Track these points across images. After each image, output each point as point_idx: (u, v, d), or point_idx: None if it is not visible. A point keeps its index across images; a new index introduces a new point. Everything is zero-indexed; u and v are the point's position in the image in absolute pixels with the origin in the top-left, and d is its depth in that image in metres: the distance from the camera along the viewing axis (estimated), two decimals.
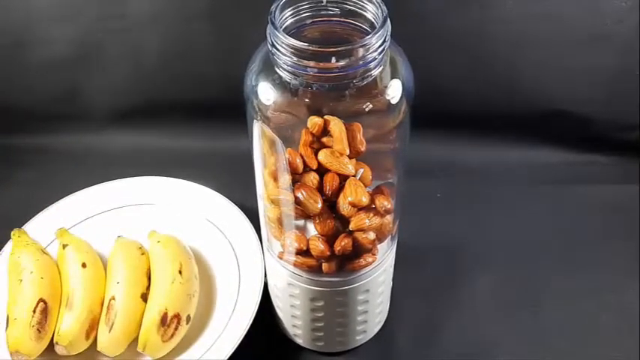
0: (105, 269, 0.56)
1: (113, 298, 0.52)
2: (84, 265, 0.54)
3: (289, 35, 0.35)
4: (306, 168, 0.40)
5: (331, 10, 0.39)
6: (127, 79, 0.73)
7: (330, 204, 0.41)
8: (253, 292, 0.53)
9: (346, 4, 0.38)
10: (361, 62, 0.35)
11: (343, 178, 0.40)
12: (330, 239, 0.42)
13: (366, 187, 0.41)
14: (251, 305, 0.52)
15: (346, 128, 0.39)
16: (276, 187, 0.42)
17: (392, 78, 0.38)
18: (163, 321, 0.51)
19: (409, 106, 0.39)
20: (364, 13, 0.38)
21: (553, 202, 0.67)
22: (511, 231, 0.64)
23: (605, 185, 0.68)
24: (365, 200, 0.40)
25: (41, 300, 0.51)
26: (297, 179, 0.41)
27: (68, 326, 0.50)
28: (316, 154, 0.40)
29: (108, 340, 0.51)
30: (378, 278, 0.48)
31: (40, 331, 0.50)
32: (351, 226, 0.41)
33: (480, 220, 0.65)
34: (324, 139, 0.39)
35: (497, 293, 0.58)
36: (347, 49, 0.35)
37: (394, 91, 0.38)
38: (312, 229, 0.43)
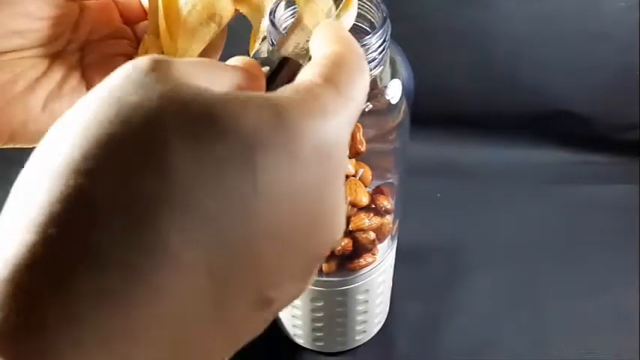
0: None
1: None
2: None
3: None
4: None
5: None
6: None
7: None
8: None
9: None
10: None
11: None
12: None
13: (366, 187, 0.41)
14: None
15: None
16: None
17: (392, 78, 0.38)
18: None
19: (409, 106, 0.39)
20: (364, 13, 0.38)
21: (553, 202, 0.67)
22: (511, 231, 0.64)
23: (605, 185, 0.68)
24: (365, 200, 0.40)
25: None
26: None
27: None
28: None
29: None
30: (377, 278, 0.48)
31: None
32: (351, 226, 0.41)
33: (480, 220, 0.65)
34: None
35: (497, 293, 0.58)
36: None
37: (394, 91, 0.38)
38: None
